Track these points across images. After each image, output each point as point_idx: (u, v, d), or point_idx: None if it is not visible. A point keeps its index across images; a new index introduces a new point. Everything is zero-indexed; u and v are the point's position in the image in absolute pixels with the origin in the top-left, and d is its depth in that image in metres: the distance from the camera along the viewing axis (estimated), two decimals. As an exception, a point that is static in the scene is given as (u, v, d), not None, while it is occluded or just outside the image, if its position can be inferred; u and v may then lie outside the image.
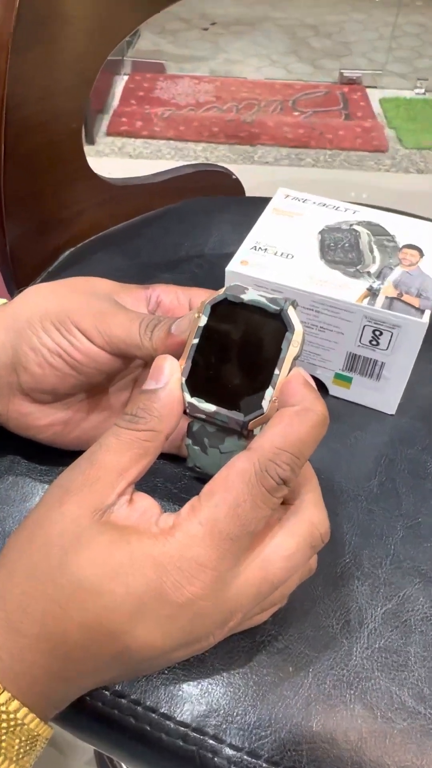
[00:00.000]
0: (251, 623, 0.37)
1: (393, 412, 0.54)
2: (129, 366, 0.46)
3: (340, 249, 0.54)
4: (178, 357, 0.39)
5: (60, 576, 0.32)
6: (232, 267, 0.52)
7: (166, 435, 0.36)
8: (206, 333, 0.38)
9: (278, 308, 0.37)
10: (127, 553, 0.33)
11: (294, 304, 0.39)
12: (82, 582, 0.32)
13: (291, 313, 0.37)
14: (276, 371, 0.37)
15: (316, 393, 0.36)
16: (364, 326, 0.51)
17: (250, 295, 0.38)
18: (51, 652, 0.32)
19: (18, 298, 0.44)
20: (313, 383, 0.36)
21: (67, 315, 0.42)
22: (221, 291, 0.39)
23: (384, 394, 0.54)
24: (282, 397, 0.36)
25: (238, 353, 0.38)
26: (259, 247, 0.54)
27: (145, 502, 0.35)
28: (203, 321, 0.39)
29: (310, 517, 0.36)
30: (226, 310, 0.38)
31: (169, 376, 0.37)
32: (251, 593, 0.34)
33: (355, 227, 0.56)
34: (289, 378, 0.36)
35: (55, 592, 0.32)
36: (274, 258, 0.53)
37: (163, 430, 0.36)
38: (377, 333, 0.51)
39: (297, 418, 0.34)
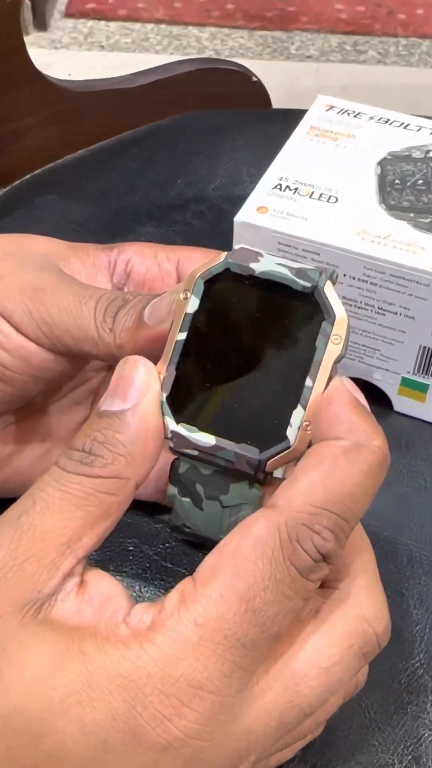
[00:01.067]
0: (268, 764, 0.36)
1: None
2: (82, 371, 0.46)
3: (409, 189, 0.54)
4: (154, 359, 0.38)
5: None
6: (244, 216, 0.52)
7: (137, 483, 0.35)
8: (198, 323, 0.37)
9: (309, 284, 0.36)
10: (81, 671, 0.31)
11: (333, 276, 0.37)
12: (13, 719, 0.31)
13: (329, 291, 0.36)
14: (308, 382, 0.35)
15: (372, 419, 0.34)
16: (445, 307, 0.51)
17: (264, 264, 0.37)
18: None
19: None
20: (366, 402, 0.35)
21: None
22: (221, 257, 0.37)
23: None
24: (319, 423, 0.35)
25: (246, 354, 0.37)
26: (286, 186, 0.54)
27: (105, 586, 0.34)
28: (193, 305, 0.37)
29: (360, 610, 0.35)
30: (228, 288, 0.37)
31: (142, 391, 0.36)
32: (271, 725, 0.33)
33: (434, 155, 0.57)
34: (329, 393, 0.35)
35: None
36: (307, 202, 0.53)
37: (131, 476, 0.35)
38: (466, 317, 0.51)
39: (344, 460, 0.33)
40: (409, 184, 0.55)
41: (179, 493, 0.38)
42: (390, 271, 0.50)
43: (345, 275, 0.51)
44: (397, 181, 0.55)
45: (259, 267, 0.37)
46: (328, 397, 0.35)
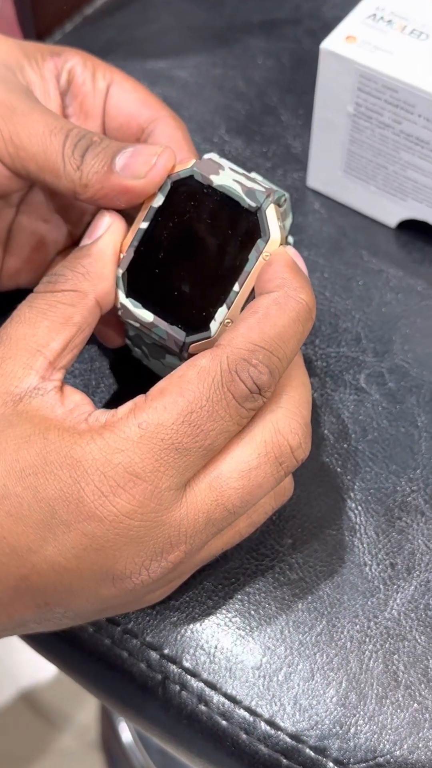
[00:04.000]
0: (208, 553, 0.41)
1: None
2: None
3: None
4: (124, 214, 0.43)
5: None
6: (331, 44, 0.53)
7: (97, 299, 0.41)
8: (160, 217, 0.42)
9: (254, 205, 0.41)
10: (41, 451, 0.37)
11: (280, 200, 0.43)
12: None
13: (270, 213, 0.41)
14: (236, 287, 0.41)
15: (304, 278, 0.40)
16: None
17: (223, 178, 0.42)
18: None
19: None
20: (304, 267, 0.41)
21: None
22: (190, 163, 0.43)
23: None
24: (259, 282, 0.40)
25: (194, 252, 0.42)
26: (381, 17, 0.54)
27: (78, 397, 0.39)
28: (159, 200, 0.42)
29: (276, 424, 0.39)
30: (189, 192, 0.42)
31: (104, 230, 0.42)
32: (200, 521, 0.38)
33: None
34: (271, 259, 0.40)
35: None
36: (398, 36, 0.53)
37: (88, 290, 0.40)
38: None
39: (275, 308, 0.39)
40: None
41: (132, 344, 0.46)
42: None
43: (420, 116, 0.52)
44: None
45: (217, 180, 0.42)
46: (269, 260, 0.40)
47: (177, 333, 0.42)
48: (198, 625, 0.45)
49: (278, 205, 0.42)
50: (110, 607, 0.40)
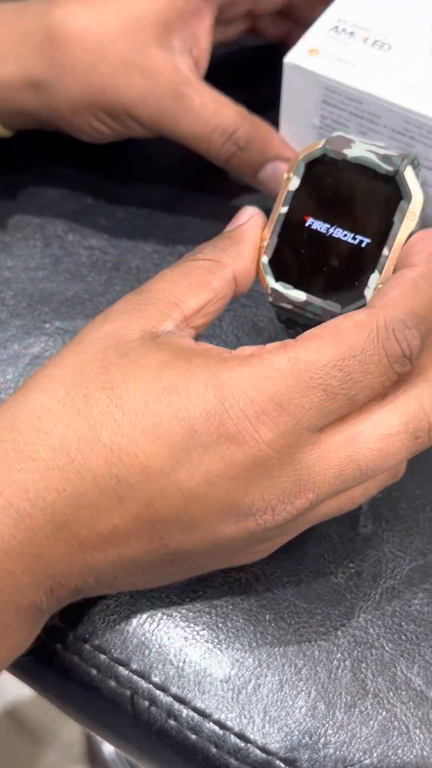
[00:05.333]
0: (320, 513, 0.41)
1: None
2: None
3: (470, 41, 0.53)
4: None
5: (95, 390, 0.38)
6: (294, 58, 0.53)
7: (234, 274, 0.43)
8: (297, 200, 0.44)
9: (392, 169, 0.43)
10: (185, 372, 0.38)
11: (414, 161, 0.44)
12: (122, 399, 0.37)
13: (409, 175, 0.43)
14: (384, 251, 0.42)
15: None
16: None
17: (356, 151, 0.44)
18: (61, 490, 0.37)
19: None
20: None
21: (121, 102, 0.54)
22: (320, 144, 0.44)
23: None
24: (405, 256, 0.42)
25: (336, 227, 0.43)
26: (343, 29, 0.54)
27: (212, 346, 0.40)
28: (295, 183, 0.44)
29: (420, 399, 0.39)
30: (324, 170, 0.44)
31: (245, 218, 0.45)
32: (331, 471, 0.38)
33: None
34: (421, 234, 0.42)
35: (86, 408, 0.37)
36: (360, 47, 0.54)
37: (226, 263, 0.43)
38: None
39: (424, 280, 0.40)
40: None
41: (286, 329, 0.48)
42: (428, 127, 0.51)
43: (385, 126, 0.53)
44: None
45: (351, 153, 0.44)
46: (418, 235, 0.42)
47: (332, 306, 0.42)
48: (166, 639, 0.45)
49: (413, 166, 0.44)
50: (220, 554, 0.40)
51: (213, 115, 0.55)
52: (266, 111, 0.58)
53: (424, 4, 0.55)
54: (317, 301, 0.43)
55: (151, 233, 0.59)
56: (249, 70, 0.67)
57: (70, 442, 0.37)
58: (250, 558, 0.42)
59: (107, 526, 0.37)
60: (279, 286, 0.43)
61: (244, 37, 0.64)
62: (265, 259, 0.44)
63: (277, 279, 0.43)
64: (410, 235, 0.42)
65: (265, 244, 0.44)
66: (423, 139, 0.52)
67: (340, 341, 0.37)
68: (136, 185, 0.61)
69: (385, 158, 0.43)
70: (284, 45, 0.56)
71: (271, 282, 0.44)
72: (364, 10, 0.55)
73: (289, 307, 0.44)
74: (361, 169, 0.43)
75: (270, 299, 0.44)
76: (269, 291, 0.44)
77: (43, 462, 0.37)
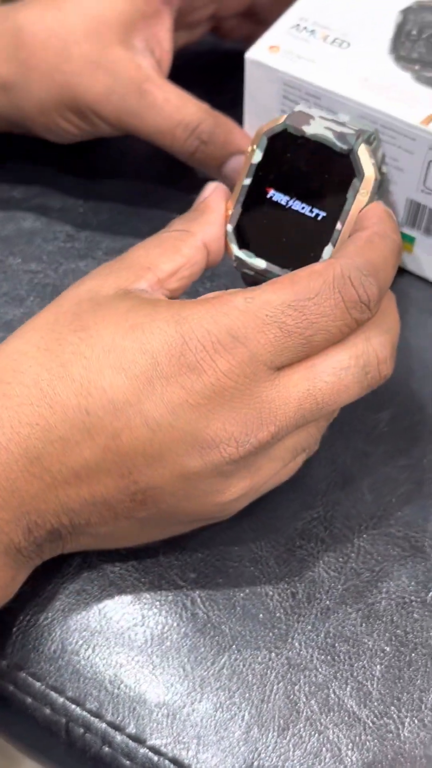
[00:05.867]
0: (280, 474, 0.43)
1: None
2: None
3: (423, 40, 0.54)
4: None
5: (67, 333, 0.40)
6: (255, 54, 0.54)
7: (204, 242, 0.45)
8: (261, 172, 0.46)
9: (346, 147, 0.44)
10: (150, 312, 0.40)
11: (370, 138, 0.46)
12: (92, 339, 0.40)
13: (362, 153, 0.44)
14: (338, 225, 0.44)
15: (396, 224, 0.44)
16: (429, 162, 0.51)
17: (314, 128, 0.45)
18: (34, 424, 0.39)
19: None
20: (395, 217, 0.45)
21: (86, 100, 0.55)
22: (282, 119, 0.46)
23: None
24: (360, 221, 0.44)
25: (294, 200, 0.45)
26: (304, 27, 0.55)
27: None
28: (257, 157, 0.46)
29: (369, 339, 0.41)
30: (285, 145, 0.46)
31: (210, 190, 0.48)
32: (291, 405, 0.40)
33: (462, 6, 0.55)
34: (371, 206, 0.44)
35: (58, 349, 0.40)
36: (320, 45, 0.54)
37: (195, 231, 0.45)
38: (448, 174, 0.51)
39: (378, 237, 0.42)
40: (425, 36, 0.54)
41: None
42: (381, 121, 0.51)
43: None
44: (414, 31, 0.54)
45: (309, 130, 0.45)
46: (369, 208, 0.45)
47: None
48: (101, 665, 0.44)
49: (368, 143, 0.45)
50: (188, 497, 0.41)
51: (176, 111, 0.55)
52: (233, 108, 0.59)
53: (383, 5, 0.56)
54: (276, 269, 0.45)
55: (92, 255, 0.59)
56: (216, 68, 0.68)
57: (42, 379, 0.39)
58: (218, 510, 0.42)
59: (78, 459, 0.39)
60: (242, 254, 0.46)
61: (210, 37, 0.65)
62: (229, 227, 0.46)
63: (241, 247, 0.46)
64: (361, 210, 0.44)
65: (230, 213, 0.46)
66: (379, 134, 0.52)
67: (296, 285, 0.40)
68: (76, 208, 0.62)
69: (341, 136, 0.45)
70: (249, 44, 0.55)
71: (235, 249, 0.46)
72: (326, 9, 0.56)
73: (251, 273, 0.46)
74: (319, 145, 0.45)
75: (234, 265, 0.47)
76: (233, 258, 0.46)
77: (17, 398, 0.39)
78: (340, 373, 0.40)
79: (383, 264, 0.41)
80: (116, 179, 0.63)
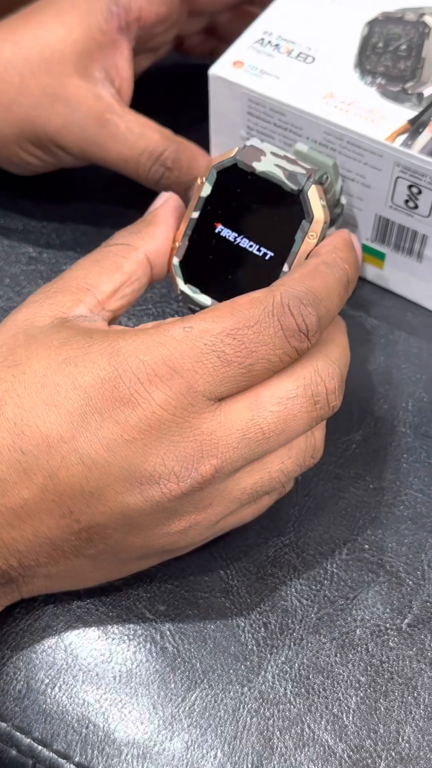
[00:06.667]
0: (241, 514, 0.42)
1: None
2: None
3: (389, 54, 0.53)
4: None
5: (2, 367, 0.39)
6: (219, 70, 0.53)
7: (147, 255, 0.45)
8: (209, 206, 0.45)
9: (296, 188, 0.44)
10: (84, 345, 0.39)
11: (323, 178, 0.45)
12: (25, 375, 0.39)
13: (312, 194, 0.43)
14: (285, 267, 0.44)
15: (353, 253, 0.43)
16: (396, 178, 0.50)
17: (265, 165, 0.44)
18: None
19: None
20: (359, 249, 0.45)
21: (45, 132, 0.55)
22: (233, 152, 0.45)
23: (427, 282, 0.55)
24: (314, 252, 0.43)
25: (244, 237, 0.45)
26: (268, 41, 0.54)
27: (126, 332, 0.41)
28: (206, 190, 0.45)
29: (316, 365, 0.41)
30: (234, 180, 0.45)
31: (159, 204, 0.47)
32: (234, 435, 0.39)
33: (429, 19, 0.55)
34: (329, 236, 0.44)
35: None
36: (284, 60, 0.53)
37: (139, 245, 0.45)
38: (415, 191, 0.50)
39: (324, 266, 0.42)
40: (391, 48, 0.53)
41: None
42: (347, 138, 0.50)
43: (308, 138, 0.52)
44: (379, 44, 0.54)
45: (260, 166, 0.44)
46: (333, 234, 0.44)
47: None
48: (68, 704, 0.43)
49: (320, 183, 0.45)
50: (135, 531, 0.40)
51: (139, 139, 0.55)
52: (200, 124, 0.59)
53: (349, 17, 0.55)
54: None
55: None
56: (181, 83, 0.68)
57: None
58: (168, 543, 0.41)
59: (17, 500, 0.38)
60: (187, 289, 0.45)
61: (174, 56, 0.65)
62: (176, 260, 0.45)
63: (186, 281, 0.45)
64: (309, 254, 0.43)
65: (177, 245, 0.45)
66: (344, 150, 0.51)
67: (236, 313, 0.39)
68: (39, 229, 0.61)
69: (291, 176, 0.44)
70: (214, 59, 0.55)
71: (180, 284, 0.45)
72: (291, 23, 0.55)
73: (196, 309, 0.45)
74: (268, 184, 0.44)
75: (179, 299, 0.46)
76: (178, 292, 0.46)
77: None
78: (287, 402, 0.40)
79: (326, 293, 0.41)
80: (79, 200, 0.62)
